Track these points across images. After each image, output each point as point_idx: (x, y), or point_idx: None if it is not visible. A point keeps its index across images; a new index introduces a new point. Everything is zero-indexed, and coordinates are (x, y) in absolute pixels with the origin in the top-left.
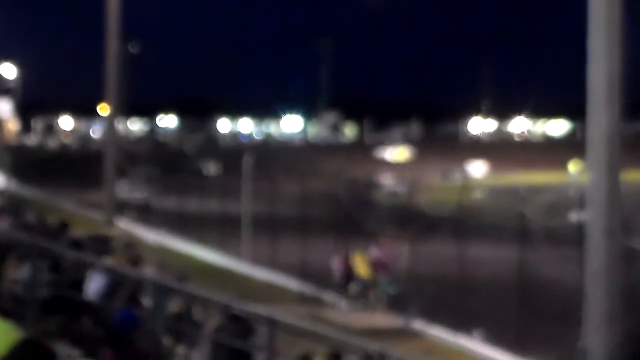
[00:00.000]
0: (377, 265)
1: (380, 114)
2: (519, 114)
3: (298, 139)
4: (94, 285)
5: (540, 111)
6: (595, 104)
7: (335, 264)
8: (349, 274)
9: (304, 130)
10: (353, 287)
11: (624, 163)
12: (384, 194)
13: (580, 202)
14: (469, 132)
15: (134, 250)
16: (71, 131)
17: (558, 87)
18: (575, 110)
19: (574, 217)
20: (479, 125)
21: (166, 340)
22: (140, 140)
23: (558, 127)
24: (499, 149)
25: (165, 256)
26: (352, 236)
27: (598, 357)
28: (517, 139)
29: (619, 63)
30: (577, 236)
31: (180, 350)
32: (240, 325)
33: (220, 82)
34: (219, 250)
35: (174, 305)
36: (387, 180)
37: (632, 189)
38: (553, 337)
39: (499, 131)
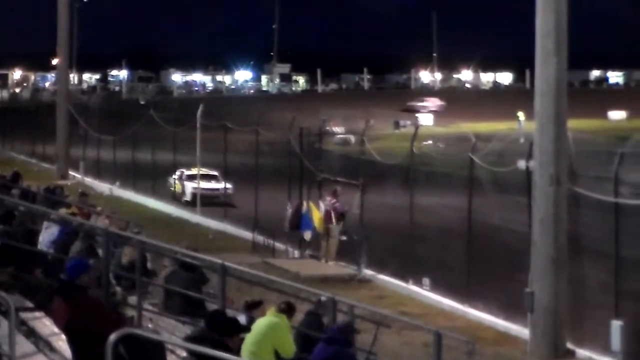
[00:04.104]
0: (328, 214)
1: (331, 65)
2: (468, 66)
3: (250, 89)
4: (47, 236)
5: (488, 63)
6: (542, 55)
7: (288, 213)
8: (301, 223)
9: (257, 81)
10: (307, 235)
11: (569, 112)
12: (336, 143)
13: (529, 150)
14: (419, 82)
15: (87, 202)
16: (24, 84)
17: (505, 40)
18: (523, 61)
19: (522, 164)
20: (429, 76)
21: (119, 290)
22: (92, 91)
23: (506, 77)
24: (448, 98)
25: (119, 207)
26: (304, 185)
27: (545, 301)
28: (466, 88)
29: (566, 14)
30: (525, 183)
31: (133, 299)
32: (193, 273)
33: (173, 34)
34: (171, 200)
35: (127, 255)
36: (338, 129)
37: (578, 136)
38: (501, 283)
39: (448, 81)
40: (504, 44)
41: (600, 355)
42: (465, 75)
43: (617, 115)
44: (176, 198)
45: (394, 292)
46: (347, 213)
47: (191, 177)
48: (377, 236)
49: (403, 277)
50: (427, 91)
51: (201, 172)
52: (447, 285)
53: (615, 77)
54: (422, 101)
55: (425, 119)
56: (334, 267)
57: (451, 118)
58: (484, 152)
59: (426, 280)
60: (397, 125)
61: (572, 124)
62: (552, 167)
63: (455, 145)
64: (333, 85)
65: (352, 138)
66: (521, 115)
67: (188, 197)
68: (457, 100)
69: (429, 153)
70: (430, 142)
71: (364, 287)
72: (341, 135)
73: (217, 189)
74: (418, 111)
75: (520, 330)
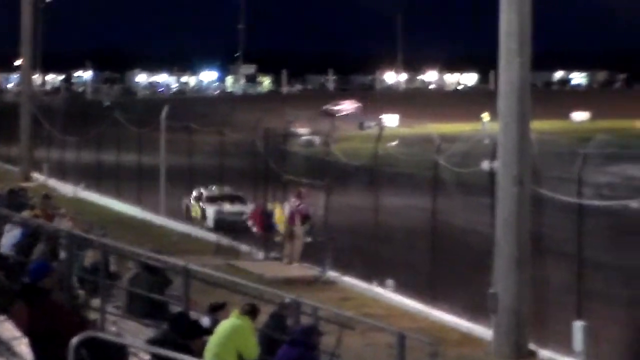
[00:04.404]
0: (293, 216)
1: (296, 66)
2: (433, 67)
3: (215, 90)
4: (9, 239)
5: (453, 64)
6: (506, 56)
7: (252, 214)
8: (266, 224)
9: (221, 82)
10: (272, 236)
11: (533, 113)
12: (301, 144)
13: (493, 151)
14: (383, 83)
15: (51, 204)
16: None
17: (470, 40)
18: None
19: (486, 165)
20: (394, 77)
21: (82, 293)
22: (56, 92)
23: (470, 79)
24: (413, 99)
25: (83, 209)
26: (269, 186)
27: (508, 302)
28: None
29: (529, 15)
30: (489, 184)
31: (96, 302)
32: (156, 276)
33: (138, 35)
34: (136, 202)
35: (90, 258)
36: (303, 130)
37: (542, 137)
38: (465, 283)
39: (413, 82)
40: (469, 45)
41: (563, 356)
42: (430, 76)
43: (580, 116)
44: (195, 222)
45: (358, 294)
46: (312, 214)
47: (213, 199)
48: (342, 237)
49: (367, 278)
50: (391, 92)
51: (222, 192)
52: (411, 287)
53: (578, 78)
54: (339, 104)
55: (390, 120)
56: (298, 269)
57: (416, 119)
58: (449, 153)
59: (390, 282)
60: (362, 126)
61: (536, 124)
62: (516, 168)
63: (418, 146)
64: (298, 86)
65: (317, 139)
66: (486, 116)
67: (211, 223)
68: (422, 101)
69: (393, 154)
70: (395, 142)
71: (328, 288)
72: (306, 137)
73: (245, 213)
74: (334, 114)
75: (483, 331)
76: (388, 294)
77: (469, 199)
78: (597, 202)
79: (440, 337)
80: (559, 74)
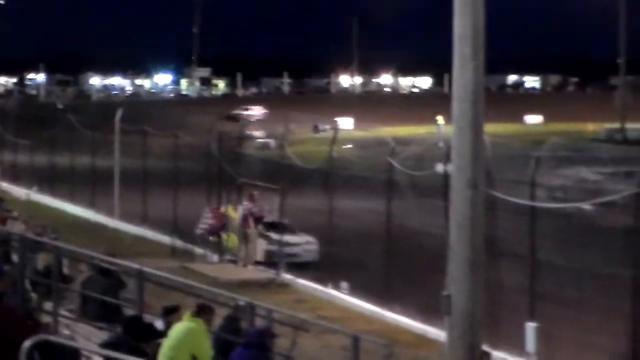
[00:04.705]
0: (246, 218)
1: (251, 69)
2: (388, 70)
3: (170, 93)
4: None
5: (407, 67)
6: (460, 59)
7: (206, 218)
8: (220, 227)
9: (176, 85)
10: (225, 239)
11: (487, 116)
12: (256, 147)
13: (447, 154)
14: (339, 86)
15: (3, 207)
16: None
17: (425, 44)
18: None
19: (440, 168)
20: (348, 80)
21: (34, 296)
22: (8, 94)
23: (425, 82)
24: (368, 103)
25: (37, 212)
26: (224, 189)
27: (461, 304)
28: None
29: (483, 19)
30: (443, 187)
31: (49, 305)
32: (110, 279)
33: (92, 38)
34: (89, 205)
35: (43, 261)
36: (258, 133)
37: (496, 140)
38: (419, 286)
39: (368, 85)
40: (423, 49)
41: (516, 357)
42: (385, 79)
43: (533, 119)
44: (232, 254)
45: (313, 296)
46: (267, 217)
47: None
48: None
49: (322, 281)
50: (346, 95)
51: (267, 220)
52: (366, 289)
53: (531, 81)
54: (248, 109)
55: (345, 123)
56: (252, 272)
57: (371, 122)
58: (403, 156)
59: (345, 284)
60: (316, 129)
61: (490, 128)
62: (469, 171)
63: (373, 149)
64: (253, 89)
65: (272, 142)
66: (440, 119)
67: (259, 256)
68: (377, 104)
69: (348, 157)
70: (350, 145)
71: (283, 291)
72: (261, 140)
73: (299, 244)
74: (240, 120)
75: (437, 333)
76: (343, 296)
77: (423, 202)
78: (550, 205)
79: (395, 339)
80: (512, 78)
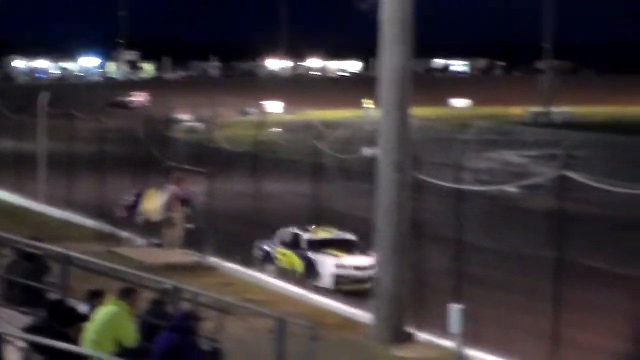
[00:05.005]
0: (172, 202)
1: (180, 52)
2: (316, 54)
3: (96, 76)
4: None
5: (335, 51)
6: (387, 43)
7: (129, 200)
8: (142, 210)
9: (102, 68)
10: (145, 221)
11: (414, 99)
12: (183, 130)
13: (374, 138)
14: (267, 70)
15: None
16: None
17: (353, 28)
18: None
19: (366, 151)
20: (277, 64)
21: None
22: None
23: (353, 66)
24: (297, 86)
25: None
26: (150, 173)
27: (387, 286)
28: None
29: (411, 3)
30: (369, 170)
31: None
32: (34, 263)
33: (16, 21)
34: (14, 189)
35: None
36: (185, 116)
37: (422, 124)
38: None
39: (296, 69)
40: (352, 33)
41: (440, 338)
42: (314, 63)
43: (460, 102)
44: (291, 277)
45: (239, 280)
46: (193, 200)
47: (319, 246)
48: (224, 223)
49: (249, 264)
50: (275, 79)
51: (330, 235)
52: (293, 272)
53: (459, 65)
54: (131, 96)
55: (274, 107)
56: (178, 255)
57: (299, 105)
58: (330, 139)
59: (272, 268)
60: (244, 112)
61: (417, 111)
62: (396, 154)
63: (300, 133)
64: (181, 73)
65: (200, 125)
66: (368, 103)
67: (327, 282)
68: (306, 88)
69: (276, 140)
70: (278, 129)
71: (209, 274)
72: (189, 123)
73: (371, 267)
74: (126, 106)
75: (364, 316)
76: (270, 279)
77: (350, 185)
78: (475, 188)
79: (322, 321)
80: (440, 61)
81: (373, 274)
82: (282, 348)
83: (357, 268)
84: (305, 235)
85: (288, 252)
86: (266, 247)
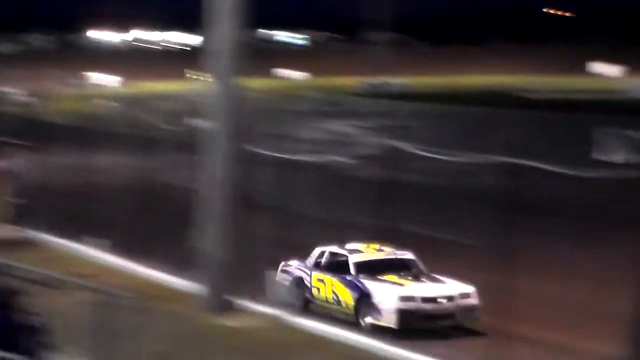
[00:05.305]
0: (0, 177)
1: (8, 25)
2: (143, 25)
3: None
4: None
5: (164, 21)
6: (218, 14)
7: None
8: None
9: None
10: None
11: (248, 71)
12: (11, 104)
13: (199, 109)
14: (93, 41)
15: None
16: None
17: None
18: (200, 21)
19: (195, 122)
20: (104, 35)
21: None
22: None
23: (183, 37)
24: (126, 58)
25: None
26: None
27: (214, 257)
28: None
29: None
30: (198, 142)
31: None
32: None
33: None
34: None
35: None
36: (13, 90)
37: (255, 95)
38: (174, 240)
39: (124, 40)
40: (182, 3)
41: (264, 306)
42: (141, 34)
43: (296, 74)
44: (326, 315)
45: (66, 254)
46: (20, 175)
47: (372, 269)
48: (53, 198)
49: (77, 238)
50: (101, 50)
51: (382, 254)
52: (121, 246)
53: (297, 38)
54: None
55: (103, 79)
56: (5, 230)
57: (128, 77)
58: (159, 111)
59: (101, 241)
60: (72, 85)
61: (251, 83)
62: (226, 126)
63: (129, 105)
64: (9, 46)
65: (32, 99)
66: (196, 74)
67: (392, 320)
68: (134, 60)
69: (105, 113)
70: (106, 101)
71: (35, 249)
72: (18, 96)
73: (451, 299)
74: None
75: (191, 287)
76: (98, 253)
77: (179, 157)
78: (303, 158)
79: (150, 294)
80: (278, 34)
81: (454, 308)
82: (107, 320)
83: (426, 300)
84: (351, 257)
85: (330, 280)
86: (298, 276)
